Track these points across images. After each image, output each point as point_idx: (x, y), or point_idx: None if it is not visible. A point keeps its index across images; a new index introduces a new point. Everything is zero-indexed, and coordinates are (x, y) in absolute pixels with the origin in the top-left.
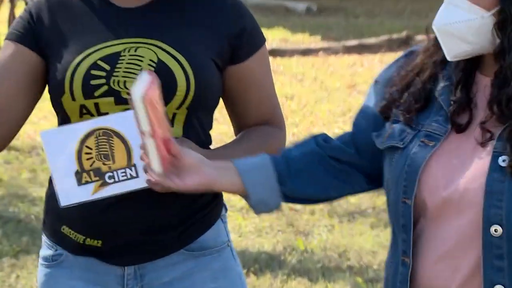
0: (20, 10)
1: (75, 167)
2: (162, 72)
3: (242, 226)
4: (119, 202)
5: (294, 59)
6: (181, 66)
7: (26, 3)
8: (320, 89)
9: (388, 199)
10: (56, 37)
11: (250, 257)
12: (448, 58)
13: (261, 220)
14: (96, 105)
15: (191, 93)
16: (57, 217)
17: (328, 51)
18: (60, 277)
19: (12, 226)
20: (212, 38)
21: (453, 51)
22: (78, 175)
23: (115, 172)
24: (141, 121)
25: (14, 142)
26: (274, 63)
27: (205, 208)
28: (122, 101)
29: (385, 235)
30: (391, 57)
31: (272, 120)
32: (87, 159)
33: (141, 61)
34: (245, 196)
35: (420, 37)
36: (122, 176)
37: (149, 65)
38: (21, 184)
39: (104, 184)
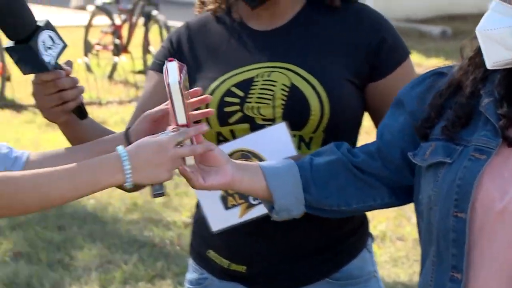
0: (154, 34)
1: (219, 191)
2: (296, 97)
3: (377, 255)
4: (263, 228)
5: None
6: (314, 89)
7: (160, 27)
8: None
9: (430, 216)
10: (194, 65)
11: None
12: (488, 65)
13: (397, 250)
14: (232, 132)
15: (326, 116)
16: (203, 241)
17: None
18: None
19: (147, 250)
20: (348, 57)
21: (493, 57)
22: (224, 199)
23: None
24: (178, 113)
25: None
26: None
27: (350, 236)
28: (257, 127)
29: None
30: None
31: None
32: None
33: (274, 86)
34: (266, 201)
35: None
36: None
37: (282, 89)
38: (155, 209)
39: (250, 206)
